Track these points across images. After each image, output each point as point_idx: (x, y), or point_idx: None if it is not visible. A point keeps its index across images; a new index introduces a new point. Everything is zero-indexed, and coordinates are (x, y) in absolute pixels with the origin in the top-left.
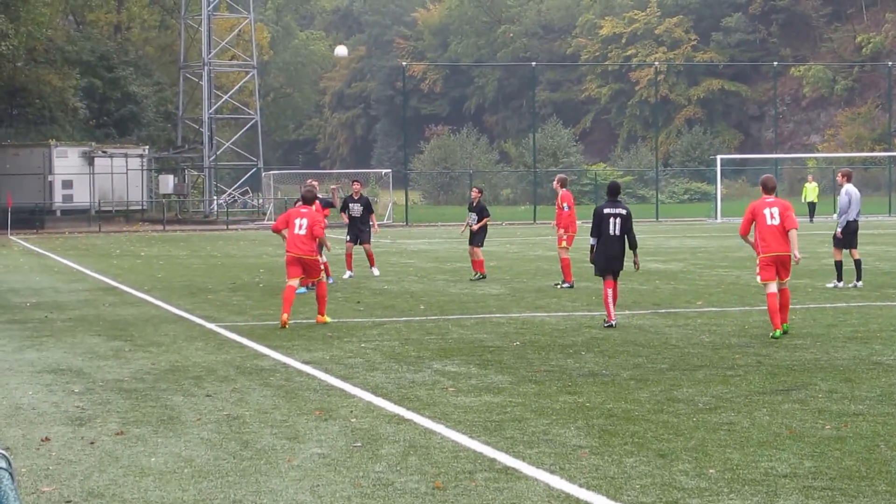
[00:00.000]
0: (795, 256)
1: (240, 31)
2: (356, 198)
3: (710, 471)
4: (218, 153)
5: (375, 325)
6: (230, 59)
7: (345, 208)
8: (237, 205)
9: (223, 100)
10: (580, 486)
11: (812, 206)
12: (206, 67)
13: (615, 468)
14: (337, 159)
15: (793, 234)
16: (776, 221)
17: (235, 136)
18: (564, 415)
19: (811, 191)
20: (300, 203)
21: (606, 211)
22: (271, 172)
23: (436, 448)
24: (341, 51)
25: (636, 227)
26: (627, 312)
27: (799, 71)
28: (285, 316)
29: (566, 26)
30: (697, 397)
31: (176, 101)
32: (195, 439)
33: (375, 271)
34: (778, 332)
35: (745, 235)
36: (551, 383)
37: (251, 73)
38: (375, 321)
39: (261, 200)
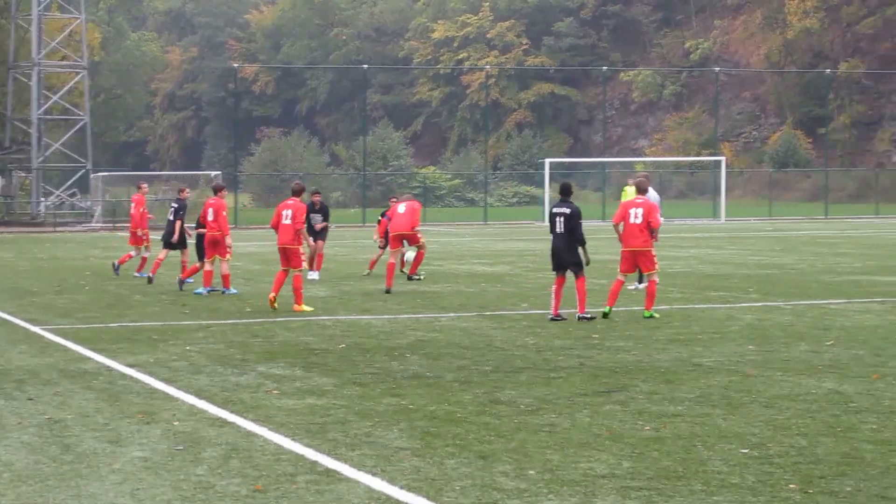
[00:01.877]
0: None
1: (71, 31)
2: (317, 208)
3: (530, 472)
4: (47, 154)
5: (201, 328)
6: (60, 60)
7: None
8: (65, 207)
9: (52, 100)
10: (401, 487)
11: None
12: (35, 68)
13: (436, 470)
14: (167, 161)
15: (653, 230)
16: (639, 220)
17: (64, 138)
18: (387, 417)
19: (631, 194)
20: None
21: (554, 210)
22: (100, 174)
23: (258, 451)
24: (313, 276)
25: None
26: (453, 315)
27: (628, 76)
28: (272, 295)
29: (399, 29)
30: (520, 399)
31: (4, 101)
32: (15, 443)
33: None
34: (608, 309)
35: (616, 225)
36: (375, 385)
37: (81, 74)
38: (201, 324)
39: (89, 202)
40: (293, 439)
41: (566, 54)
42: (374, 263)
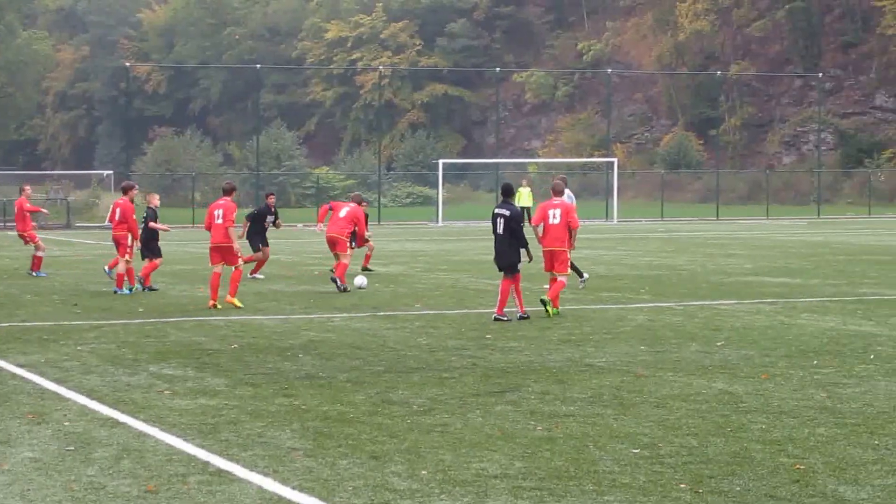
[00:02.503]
0: (572, 246)
1: None
2: (273, 210)
3: (422, 472)
4: None
5: (93, 328)
6: None
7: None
8: None
9: None
10: (293, 488)
11: (526, 210)
12: None
13: (328, 470)
14: (58, 160)
15: (572, 231)
16: (557, 221)
17: None
18: (280, 417)
19: (525, 196)
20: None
21: (496, 211)
22: None
23: (149, 451)
24: (360, 281)
25: None
26: (346, 315)
27: (521, 77)
28: (211, 302)
29: (292, 29)
30: (412, 399)
31: None
32: None
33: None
34: (553, 307)
35: (535, 226)
36: (268, 386)
37: None
38: (93, 324)
39: None
40: (185, 440)
41: (459, 55)
42: (368, 259)
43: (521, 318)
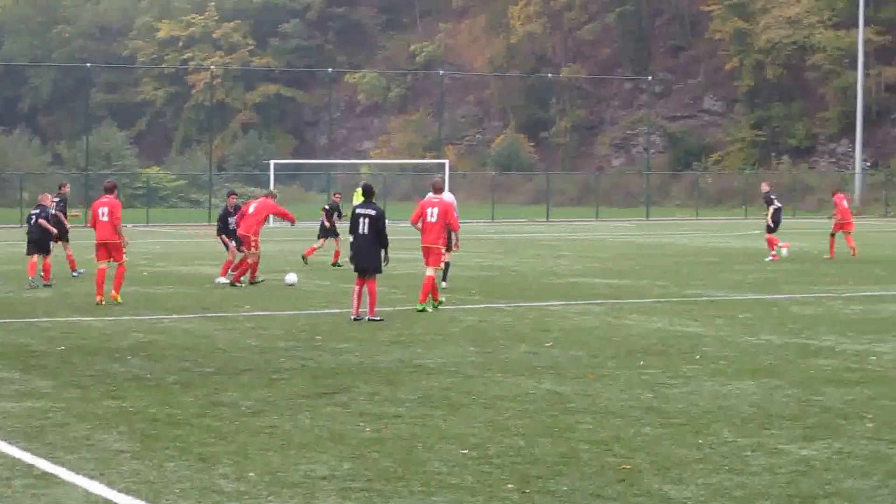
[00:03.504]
0: (457, 245)
1: None
2: (231, 210)
3: (251, 474)
4: None
5: None
6: None
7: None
8: None
9: None
10: (119, 490)
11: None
12: None
13: (155, 473)
14: None
15: (451, 231)
16: (434, 219)
17: None
18: (107, 420)
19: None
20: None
21: (358, 211)
22: None
23: None
24: (291, 278)
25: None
26: (176, 316)
27: (354, 78)
28: (98, 297)
29: (123, 28)
30: (241, 401)
31: None
32: None
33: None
34: (421, 307)
35: (414, 223)
36: (95, 388)
37: None
38: None
39: None
40: (10, 443)
41: (292, 55)
42: (312, 251)
43: (355, 319)
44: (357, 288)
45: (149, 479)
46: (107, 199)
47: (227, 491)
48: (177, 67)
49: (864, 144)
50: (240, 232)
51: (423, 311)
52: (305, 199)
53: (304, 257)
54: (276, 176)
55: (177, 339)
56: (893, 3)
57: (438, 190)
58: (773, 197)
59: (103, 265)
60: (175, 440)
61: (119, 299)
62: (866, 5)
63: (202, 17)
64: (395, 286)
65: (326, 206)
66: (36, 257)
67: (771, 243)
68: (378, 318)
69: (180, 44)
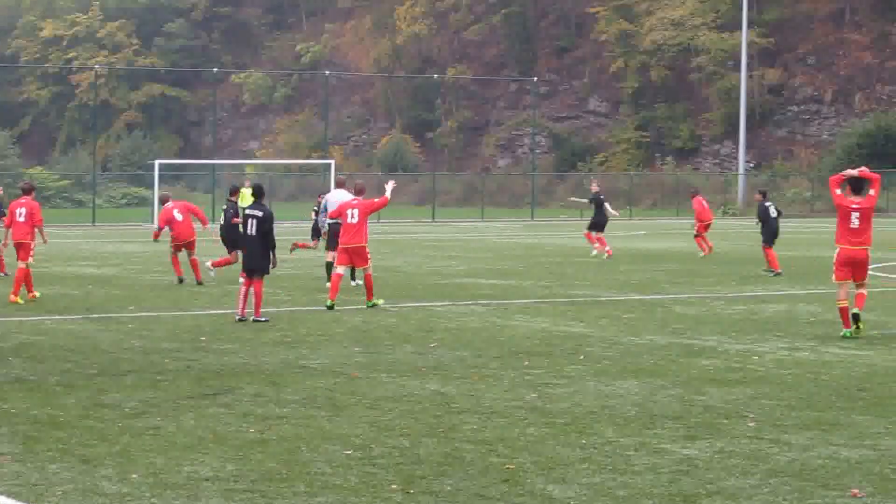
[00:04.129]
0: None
1: None
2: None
3: (134, 476)
4: None
5: None
6: None
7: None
8: None
9: None
10: (0, 493)
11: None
12: None
13: (37, 475)
14: None
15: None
16: (355, 220)
17: None
18: None
19: (248, 196)
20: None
21: (247, 212)
22: None
23: None
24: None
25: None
26: (58, 317)
27: (239, 78)
28: (12, 297)
29: (6, 27)
30: (125, 402)
31: None
32: None
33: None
34: (329, 302)
35: (333, 218)
36: None
37: None
38: None
39: None
40: None
41: (177, 55)
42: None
43: (240, 320)
44: (244, 289)
45: (31, 481)
46: (24, 199)
47: (110, 493)
48: (60, 67)
49: (748, 146)
50: (184, 238)
51: (373, 305)
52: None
53: (294, 246)
54: (160, 176)
55: (59, 341)
56: (776, 5)
57: (360, 192)
58: (602, 197)
59: (23, 265)
60: (57, 442)
61: (19, 301)
62: (749, 8)
63: (86, 16)
64: (281, 286)
65: (315, 208)
66: None
67: (592, 240)
68: (263, 319)
69: (64, 43)
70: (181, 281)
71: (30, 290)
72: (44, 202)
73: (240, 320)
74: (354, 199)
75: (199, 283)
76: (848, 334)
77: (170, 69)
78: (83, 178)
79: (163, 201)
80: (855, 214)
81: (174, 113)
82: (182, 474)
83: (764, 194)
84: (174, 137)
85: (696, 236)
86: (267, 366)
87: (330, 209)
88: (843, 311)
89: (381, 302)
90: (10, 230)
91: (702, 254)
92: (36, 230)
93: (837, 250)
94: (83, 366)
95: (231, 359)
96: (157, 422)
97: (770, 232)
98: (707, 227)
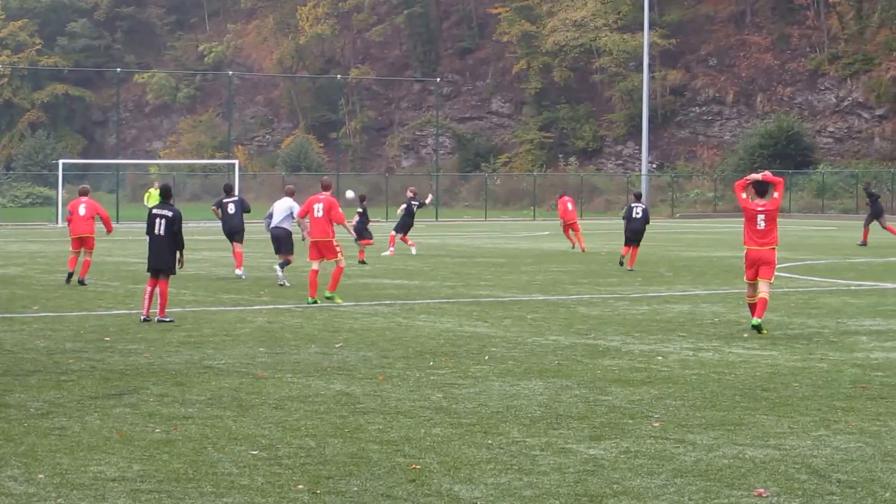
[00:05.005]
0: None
1: None
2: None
3: (40, 476)
4: None
5: None
6: None
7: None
8: None
9: None
10: None
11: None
12: None
13: None
14: None
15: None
16: (320, 214)
17: None
18: None
19: (155, 196)
20: None
21: (154, 211)
22: None
23: None
24: (350, 193)
25: None
26: None
27: (143, 77)
28: None
29: None
30: (30, 402)
31: None
32: None
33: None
34: (310, 299)
35: (301, 219)
36: None
37: None
38: None
39: None
40: None
41: (80, 55)
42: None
43: (145, 320)
44: (149, 288)
45: None
46: None
47: (16, 493)
48: None
49: (650, 147)
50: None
51: (330, 298)
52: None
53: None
54: (64, 176)
55: None
56: (677, 7)
57: (326, 188)
58: (415, 203)
59: None
60: None
61: None
62: (651, 9)
63: None
64: (186, 286)
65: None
66: None
67: (403, 241)
68: (168, 319)
69: None
70: (70, 276)
71: None
72: None
73: (145, 320)
74: (321, 195)
75: (82, 283)
76: (756, 322)
77: (73, 69)
78: None
79: (81, 193)
80: (760, 217)
81: (78, 112)
82: (88, 474)
83: (637, 196)
84: (78, 137)
85: (565, 232)
86: (172, 366)
87: (276, 217)
88: (752, 307)
89: (339, 300)
90: None
91: (572, 246)
92: None
93: (745, 251)
94: None
95: (136, 359)
96: (62, 422)
97: (630, 231)
98: (570, 226)
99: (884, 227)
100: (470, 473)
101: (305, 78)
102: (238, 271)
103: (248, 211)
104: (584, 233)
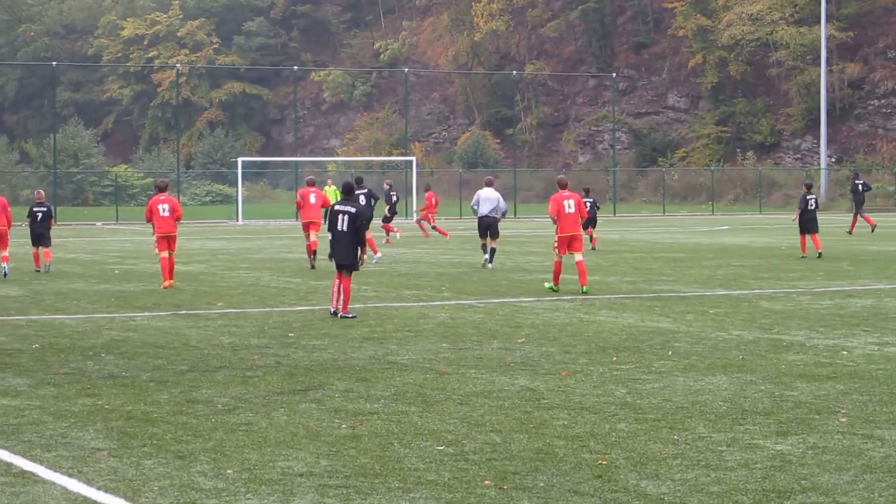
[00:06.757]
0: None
1: None
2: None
3: (228, 471)
4: None
5: None
6: None
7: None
8: None
9: None
10: (98, 488)
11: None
12: None
13: (133, 470)
14: None
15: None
16: (572, 210)
17: None
18: (83, 417)
19: (331, 194)
20: None
21: (337, 207)
22: None
23: None
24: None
25: None
26: (148, 314)
27: (319, 75)
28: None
29: (88, 26)
30: (217, 398)
31: None
32: None
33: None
34: (555, 287)
35: (553, 215)
36: (70, 386)
37: None
38: None
39: None
40: None
41: (257, 53)
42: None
43: (343, 317)
44: (337, 282)
45: (127, 476)
46: (164, 196)
47: (206, 488)
48: (142, 66)
49: (829, 140)
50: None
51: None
52: (273, 197)
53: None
54: (243, 174)
55: (150, 337)
56: (854, 0)
57: (564, 185)
58: (392, 194)
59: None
60: (152, 438)
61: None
62: (827, 2)
63: (166, 15)
64: (367, 282)
65: (394, 197)
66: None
67: (390, 229)
68: (351, 315)
69: (145, 42)
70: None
71: (169, 278)
72: (129, 200)
73: (334, 314)
74: (566, 192)
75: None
76: None
77: (250, 67)
78: (167, 176)
79: (309, 184)
80: None
81: (255, 111)
82: (276, 470)
83: (809, 187)
84: (256, 135)
85: (418, 221)
86: (356, 361)
87: (483, 205)
88: None
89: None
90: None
91: (423, 235)
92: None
93: None
94: (174, 362)
95: (320, 355)
96: (249, 417)
97: (805, 220)
98: (428, 217)
99: (860, 216)
100: (656, 469)
101: (481, 74)
102: (376, 255)
103: (377, 199)
104: (765, 228)
